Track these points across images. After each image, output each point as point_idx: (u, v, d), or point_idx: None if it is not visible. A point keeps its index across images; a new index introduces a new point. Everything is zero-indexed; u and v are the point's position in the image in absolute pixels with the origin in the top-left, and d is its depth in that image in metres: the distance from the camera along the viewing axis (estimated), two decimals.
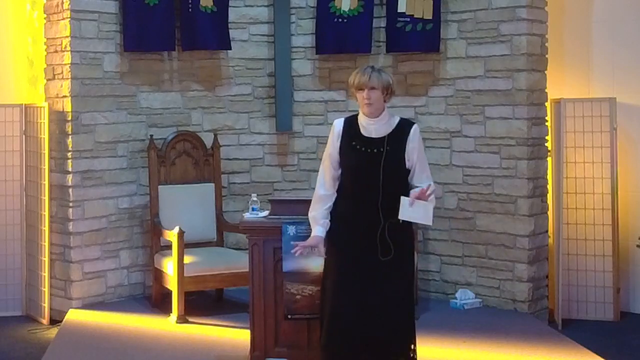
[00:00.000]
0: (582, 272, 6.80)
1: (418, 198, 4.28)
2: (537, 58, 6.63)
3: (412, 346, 4.49)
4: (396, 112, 7.01)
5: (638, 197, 6.91)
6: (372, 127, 4.42)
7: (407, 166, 4.42)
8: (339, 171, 4.48)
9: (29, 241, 6.84)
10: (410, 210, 4.26)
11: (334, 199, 4.49)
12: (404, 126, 4.45)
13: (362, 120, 4.45)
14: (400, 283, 4.42)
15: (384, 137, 4.39)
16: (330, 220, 4.49)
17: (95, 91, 6.72)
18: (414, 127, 4.46)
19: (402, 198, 4.28)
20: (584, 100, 6.82)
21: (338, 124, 4.51)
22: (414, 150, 4.43)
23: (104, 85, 6.77)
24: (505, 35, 6.59)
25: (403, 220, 4.34)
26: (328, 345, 4.41)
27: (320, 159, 4.64)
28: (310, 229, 4.59)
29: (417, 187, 4.40)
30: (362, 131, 4.43)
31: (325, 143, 4.60)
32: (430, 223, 4.37)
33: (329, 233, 4.49)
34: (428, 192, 4.29)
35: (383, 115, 4.44)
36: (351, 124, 4.47)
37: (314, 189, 4.62)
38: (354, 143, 4.41)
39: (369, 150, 4.38)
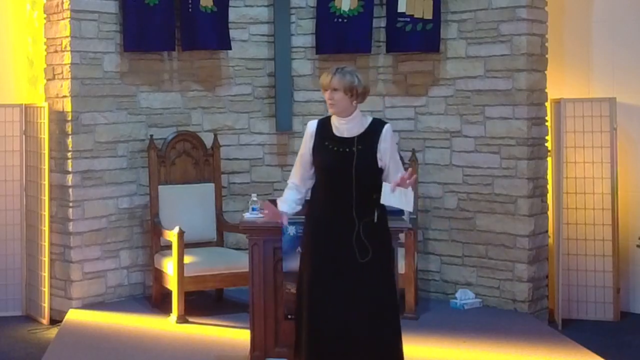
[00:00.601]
0: (582, 272, 6.80)
1: (399, 185, 4.29)
2: (537, 58, 6.63)
3: (399, 346, 4.48)
4: (396, 112, 7.12)
5: (638, 197, 6.91)
6: (344, 127, 4.44)
7: (379, 166, 4.42)
8: (311, 171, 4.53)
9: (29, 241, 6.84)
10: (392, 196, 4.28)
11: (302, 195, 4.58)
12: (376, 126, 4.46)
13: (335, 120, 4.48)
14: (383, 283, 4.40)
15: (355, 137, 4.42)
16: (306, 223, 4.53)
17: (95, 91, 6.72)
18: (386, 126, 4.47)
19: (384, 184, 4.31)
20: (584, 100, 6.82)
21: (311, 124, 4.56)
22: (386, 150, 4.43)
23: (104, 85, 6.77)
24: (505, 35, 6.59)
25: (378, 220, 4.37)
26: (310, 350, 4.40)
27: None
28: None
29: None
30: (335, 131, 4.46)
31: None
32: (410, 209, 4.42)
33: (305, 236, 4.53)
34: (408, 179, 4.28)
35: (354, 115, 4.45)
36: (324, 124, 4.51)
37: None
38: (326, 143, 4.44)
39: (340, 150, 4.40)
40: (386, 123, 4.51)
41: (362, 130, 4.44)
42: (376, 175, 4.42)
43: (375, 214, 4.38)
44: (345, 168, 4.35)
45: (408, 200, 4.30)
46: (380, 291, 4.39)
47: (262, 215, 5.20)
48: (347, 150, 4.38)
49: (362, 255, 4.34)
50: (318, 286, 4.40)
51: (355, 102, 4.44)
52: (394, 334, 4.44)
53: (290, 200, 4.61)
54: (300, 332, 4.50)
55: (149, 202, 6.82)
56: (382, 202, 4.30)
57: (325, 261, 4.39)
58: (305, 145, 4.54)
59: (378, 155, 4.41)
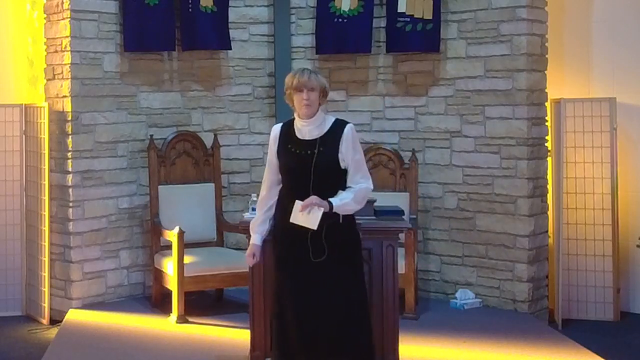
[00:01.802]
0: (582, 272, 6.80)
1: (305, 206, 4.28)
2: (537, 58, 6.63)
3: (368, 344, 4.45)
4: (396, 112, 7.12)
5: (638, 197, 6.91)
6: (306, 128, 4.42)
7: (342, 167, 4.40)
8: (279, 176, 4.51)
9: (29, 241, 6.84)
10: (299, 215, 4.30)
11: (272, 203, 4.55)
12: (338, 127, 4.44)
13: (297, 122, 4.46)
14: (345, 284, 4.37)
15: (316, 138, 4.40)
16: (273, 225, 4.57)
17: (95, 91, 6.72)
18: (347, 127, 4.44)
19: (296, 202, 4.31)
20: (584, 100, 6.82)
21: (275, 128, 4.55)
22: (348, 151, 4.40)
23: (104, 85, 6.77)
24: (505, 35, 6.59)
25: (343, 221, 4.38)
26: (278, 351, 4.45)
27: None
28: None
29: (350, 187, 4.40)
30: (297, 134, 4.44)
31: None
32: (314, 228, 4.30)
33: (270, 240, 4.57)
34: (317, 203, 4.28)
35: (317, 116, 4.43)
36: (288, 127, 4.50)
37: None
38: (289, 146, 4.43)
39: (302, 153, 4.39)
40: (348, 123, 4.48)
41: (324, 131, 4.42)
42: (338, 176, 4.40)
43: (340, 216, 4.37)
44: (304, 170, 4.34)
45: (315, 219, 4.28)
46: (346, 291, 4.37)
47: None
48: (309, 152, 4.37)
49: (315, 255, 4.34)
50: (282, 287, 4.45)
51: (322, 103, 4.46)
52: (361, 333, 4.41)
53: (258, 224, 4.60)
54: (271, 332, 4.60)
55: (149, 202, 6.82)
56: (290, 220, 4.31)
57: (285, 263, 4.44)
58: (270, 150, 4.53)
59: (340, 157, 4.39)
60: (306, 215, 4.28)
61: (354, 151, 4.42)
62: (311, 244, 4.34)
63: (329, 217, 4.32)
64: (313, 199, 4.28)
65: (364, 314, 4.46)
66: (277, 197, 4.53)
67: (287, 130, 4.49)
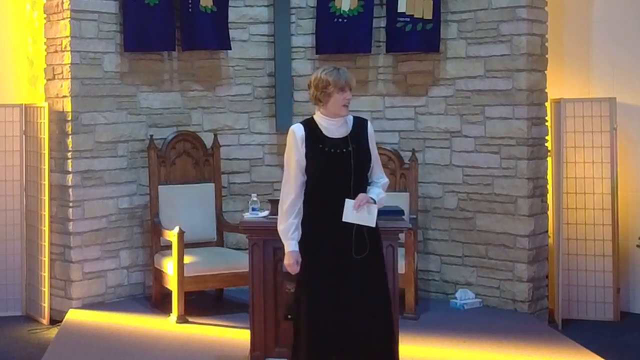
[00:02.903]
0: (582, 272, 6.80)
1: (361, 204, 4.28)
2: (537, 58, 6.63)
3: (394, 345, 4.49)
4: (396, 112, 7.12)
5: (638, 197, 6.91)
6: (335, 127, 4.40)
7: (371, 163, 4.46)
8: (304, 178, 4.40)
9: (29, 241, 6.84)
10: (354, 213, 4.28)
11: (300, 206, 4.41)
12: (361, 124, 4.46)
13: (322, 122, 4.41)
14: (378, 280, 4.41)
15: (346, 136, 4.39)
16: (302, 229, 4.43)
17: (95, 91, 6.72)
18: (369, 123, 4.49)
19: (347, 201, 4.29)
20: (584, 100, 6.82)
21: (298, 129, 4.41)
22: (373, 147, 4.46)
23: (104, 85, 6.77)
24: (505, 35, 6.59)
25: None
26: (309, 350, 4.38)
27: None
28: None
29: (374, 182, 4.44)
30: (325, 133, 4.39)
31: None
32: (373, 225, 4.34)
33: (303, 242, 4.42)
34: (377, 199, 4.32)
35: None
36: (311, 127, 4.42)
37: None
38: (320, 146, 4.36)
39: (337, 151, 4.35)
40: (366, 120, 4.51)
41: (349, 129, 4.41)
42: (367, 172, 4.44)
43: None
44: (344, 169, 4.32)
45: (372, 216, 4.30)
46: (375, 288, 4.39)
47: (263, 217, 5.22)
48: (344, 150, 4.35)
49: (357, 251, 4.33)
50: (317, 286, 4.37)
51: None
52: (388, 331, 4.44)
53: (290, 229, 4.40)
54: (299, 335, 4.48)
55: (149, 202, 6.82)
56: (344, 219, 4.28)
57: (325, 263, 4.36)
58: (298, 152, 4.38)
59: (370, 153, 4.43)
60: (361, 213, 4.27)
61: (375, 147, 4.48)
62: (354, 241, 4.32)
63: None
64: (365, 196, 4.30)
65: (390, 313, 4.50)
66: (302, 200, 4.42)
67: (312, 130, 4.40)
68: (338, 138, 4.38)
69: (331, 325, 4.33)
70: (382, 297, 4.42)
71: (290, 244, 4.40)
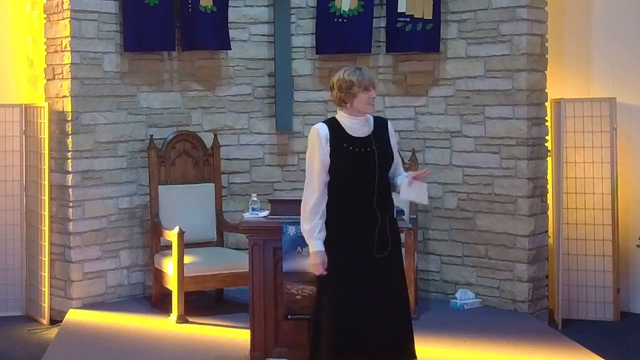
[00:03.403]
0: (582, 272, 6.80)
1: (415, 178, 4.37)
2: (537, 58, 6.63)
3: (412, 343, 4.50)
4: (396, 112, 7.11)
5: (638, 197, 6.91)
6: (358, 126, 4.41)
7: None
8: (328, 177, 4.40)
9: (29, 241, 6.84)
10: (409, 190, 4.33)
11: (324, 207, 4.39)
12: (381, 123, 4.50)
13: (345, 121, 4.42)
14: (397, 279, 4.45)
15: (369, 135, 4.41)
16: (326, 229, 4.41)
17: (95, 91, 6.72)
18: (389, 122, 4.54)
19: (402, 179, 4.36)
20: (584, 100, 6.82)
21: (322, 128, 4.40)
22: (394, 146, 4.50)
23: (104, 85, 6.77)
24: (505, 35, 6.59)
25: (392, 217, 4.40)
26: (333, 353, 4.36)
27: None
28: None
29: (399, 177, 4.49)
30: (349, 132, 4.40)
31: None
32: (426, 202, 4.47)
33: (328, 241, 4.40)
34: (424, 174, 4.41)
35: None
36: (334, 126, 4.41)
37: None
38: (345, 145, 4.37)
39: (363, 150, 4.37)
40: (385, 118, 4.56)
41: (371, 128, 4.43)
42: (389, 170, 4.48)
43: (394, 210, 4.44)
44: (369, 167, 4.34)
45: (424, 193, 4.37)
46: (397, 287, 4.42)
47: (263, 217, 5.21)
48: (368, 149, 4.36)
49: (379, 250, 4.34)
50: (341, 287, 4.35)
51: None
52: (407, 330, 4.46)
53: (316, 229, 4.38)
54: (320, 335, 4.45)
55: (149, 202, 6.82)
56: (401, 197, 4.34)
57: (349, 262, 4.35)
58: (322, 151, 4.36)
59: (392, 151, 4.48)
60: (414, 190, 4.32)
61: (396, 146, 4.52)
62: (377, 240, 4.33)
63: (387, 211, 4.37)
64: (415, 172, 4.38)
65: (409, 312, 4.53)
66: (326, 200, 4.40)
67: (336, 130, 4.40)
68: (362, 137, 4.39)
69: (353, 325, 4.33)
70: (402, 296, 4.45)
71: (316, 243, 4.38)
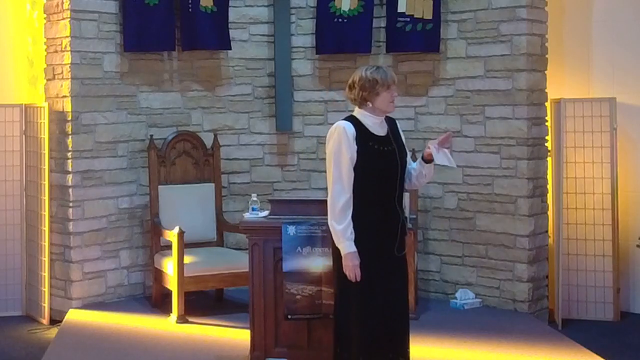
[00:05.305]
0: (582, 272, 6.80)
1: (440, 144, 4.35)
2: (537, 58, 6.63)
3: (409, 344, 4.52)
4: (396, 112, 6.96)
5: (638, 197, 6.91)
6: (378, 126, 4.41)
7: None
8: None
9: (29, 241, 6.84)
10: (440, 155, 4.32)
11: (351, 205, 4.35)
12: (392, 122, 4.50)
13: (366, 120, 4.39)
14: (406, 279, 4.48)
15: (388, 134, 4.41)
16: (356, 229, 4.34)
17: (95, 91, 6.72)
18: (395, 120, 4.54)
19: (431, 146, 4.33)
20: (584, 100, 6.82)
21: (349, 127, 4.33)
22: (405, 144, 4.53)
23: (104, 85, 6.77)
24: (505, 35, 6.59)
25: (406, 216, 4.43)
26: (364, 353, 4.34)
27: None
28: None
29: (410, 166, 4.50)
30: (372, 131, 4.38)
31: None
32: (455, 166, 4.45)
33: (356, 241, 4.33)
34: (447, 138, 4.37)
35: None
36: (358, 125, 4.37)
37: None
38: (370, 143, 4.34)
39: (386, 149, 4.37)
40: (394, 118, 4.55)
41: (386, 127, 4.43)
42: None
43: (407, 209, 4.44)
44: (392, 165, 4.35)
45: (450, 157, 4.37)
46: (407, 286, 4.47)
47: (263, 217, 5.22)
48: (390, 148, 4.38)
49: (400, 249, 4.36)
50: (367, 286, 4.31)
51: None
52: (407, 326, 4.48)
53: (347, 229, 4.29)
54: (347, 335, 4.38)
55: (149, 202, 6.82)
56: (435, 162, 4.33)
57: (374, 262, 4.31)
58: (349, 149, 4.28)
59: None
60: (443, 155, 4.32)
61: (406, 145, 4.55)
62: (399, 238, 4.34)
63: (404, 210, 4.39)
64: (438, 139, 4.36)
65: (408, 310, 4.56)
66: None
67: (360, 128, 4.36)
68: (382, 136, 4.39)
69: (383, 327, 4.32)
70: (407, 296, 4.50)
71: (350, 245, 4.28)
